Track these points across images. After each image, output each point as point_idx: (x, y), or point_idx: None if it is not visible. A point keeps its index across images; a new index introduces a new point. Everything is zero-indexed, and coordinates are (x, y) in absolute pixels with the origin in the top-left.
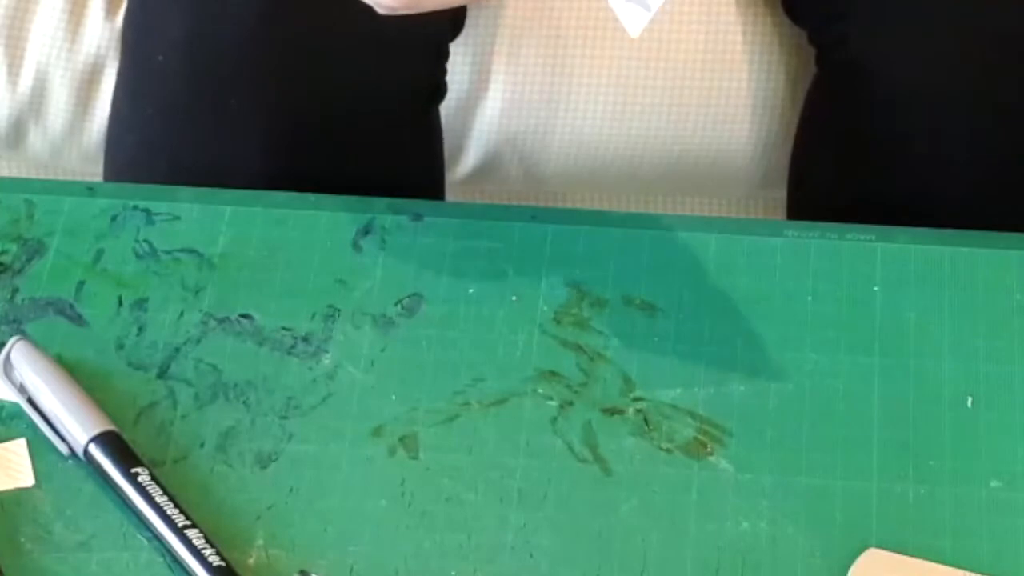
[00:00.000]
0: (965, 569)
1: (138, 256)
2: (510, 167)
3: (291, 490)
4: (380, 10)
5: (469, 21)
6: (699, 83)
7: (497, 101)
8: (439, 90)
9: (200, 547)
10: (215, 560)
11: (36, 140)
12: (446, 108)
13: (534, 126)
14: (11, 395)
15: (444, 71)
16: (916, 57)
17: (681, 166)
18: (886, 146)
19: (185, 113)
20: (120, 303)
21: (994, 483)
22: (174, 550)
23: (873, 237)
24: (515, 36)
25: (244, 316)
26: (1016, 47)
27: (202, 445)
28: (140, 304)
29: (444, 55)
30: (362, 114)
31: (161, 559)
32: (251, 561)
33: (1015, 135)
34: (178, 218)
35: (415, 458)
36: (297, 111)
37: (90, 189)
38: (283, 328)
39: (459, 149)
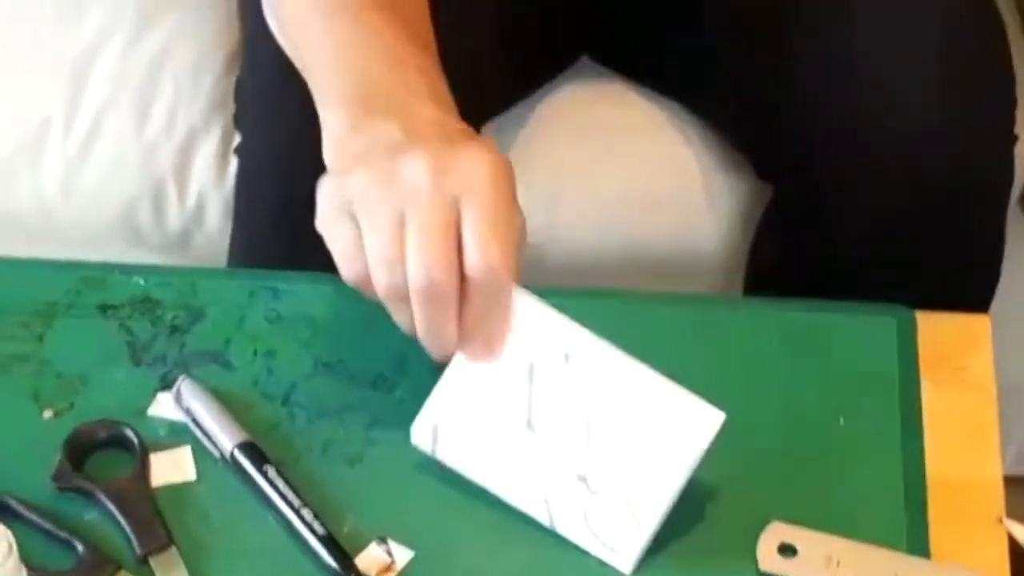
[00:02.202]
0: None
1: (268, 321)
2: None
3: (372, 481)
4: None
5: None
6: (671, 210)
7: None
8: None
9: (310, 521)
10: (321, 531)
11: (198, 242)
12: None
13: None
14: (180, 415)
15: None
16: (830, 193)
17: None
18: (818, 240)
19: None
20: (255, 353)
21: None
22: (293, 524)
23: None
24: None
25: (340, 360)
26: (894, 164)
27: (311, 450)
28: (270, 354)
29: None
30: None
31: (284, 532)
32: (345, 530)
33: (902, 233)
34: (295, 293)
35: None
36: None
37: (233, 274)
38: (367, 369)
39: None
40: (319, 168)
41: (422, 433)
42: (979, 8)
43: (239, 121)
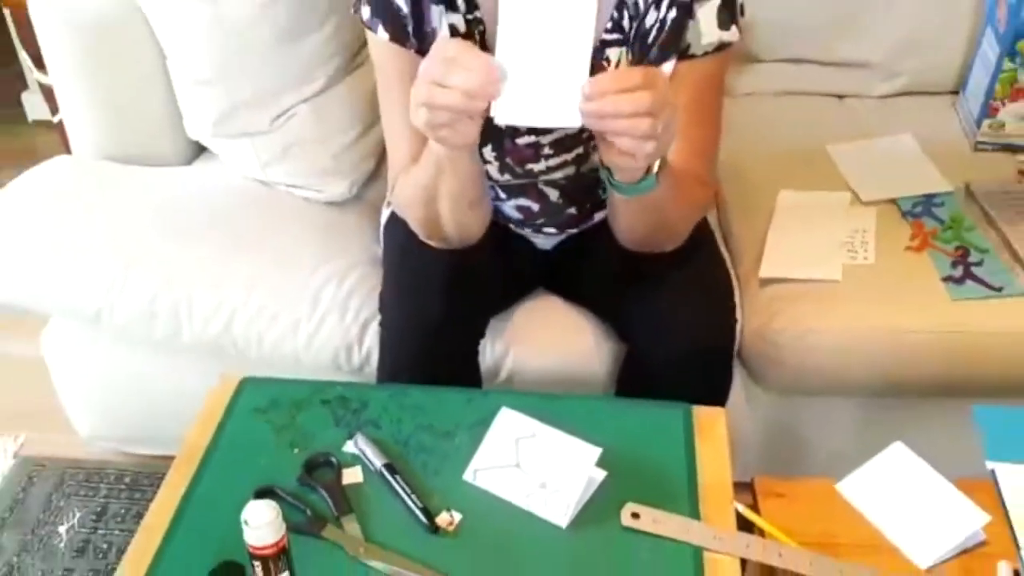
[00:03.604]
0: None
1: (400, 407)
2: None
3: (446, 483)
4: None
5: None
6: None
7: (509, 366)
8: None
9: (414, 499)
10: (419, 504)
11: (367, 371)
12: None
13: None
14: (356, 451)
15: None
16: (652, 348)
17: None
18: (652, 372)
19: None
20: (390, 421)
21: None
22: (406, 502)
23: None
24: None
25: (430, 424)
26: (680, 342)
27: (417, 466)
28: (398, 420)
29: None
30: (450, 351)
31: (403, 507)
32: (432, 503)
33: (684, 369)
34: (410, 395)
35: None
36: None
37: (382, 387)
38: (442, 428)
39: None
40: (419, 333)
41: (470, 473)
42: (719, 277)
43: (381, 306)
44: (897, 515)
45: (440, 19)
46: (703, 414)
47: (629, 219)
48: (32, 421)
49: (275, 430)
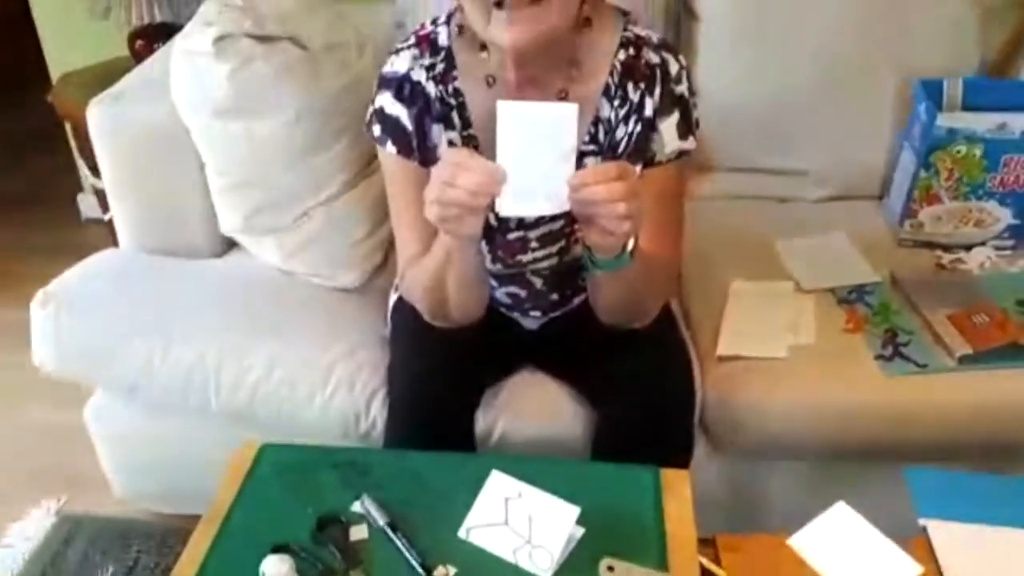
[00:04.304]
0: None
1: (402, 472)
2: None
3: (439, 541)
4: None
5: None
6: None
7: (499, 432)
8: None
9: (412, 553)
10: (418, 559)
11: (373, 437)
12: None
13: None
14: (362, 511)
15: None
16: (622, 416)
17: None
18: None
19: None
20: (393, 481)
21: None
22: (405, 555)
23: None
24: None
25: (429, 484)
26: (648, 409)
27: (414, 524)
28: (396, 480)
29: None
30: (451, 421)
31: (403, 561)
32: (428, 562)
33: (651, 433)
34: (412, 458)
35: None
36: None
37: (388, 452)
38: (438, 488)
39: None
40: (423, 405)
41: (464, 531)
42: (680, 355)
43: (389, 380)
44: (842, 568)
45: (440, 135)
46: (670, 476)
47: (608, 295)
48: (73, 483)
49: (291, 491)
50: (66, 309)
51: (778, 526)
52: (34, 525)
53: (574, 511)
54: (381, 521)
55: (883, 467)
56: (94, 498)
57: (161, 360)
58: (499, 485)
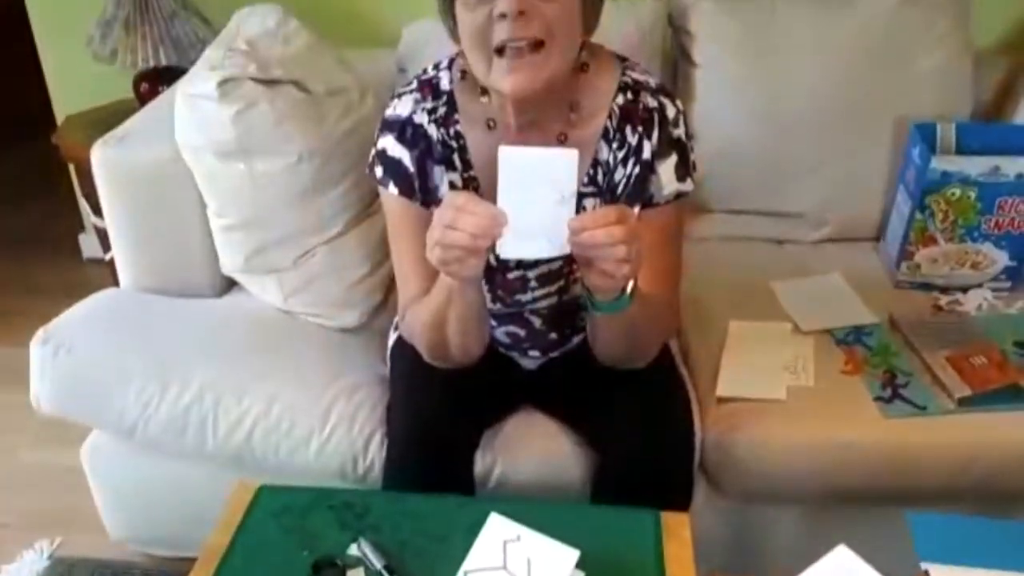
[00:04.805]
0: None
1: (399, 514)
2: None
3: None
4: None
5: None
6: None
7: (498, 473)
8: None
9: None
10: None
11: (370, 479)
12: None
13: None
14: (359, 553)
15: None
16: (623, 457)
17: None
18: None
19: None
20: (391, 525)
21: None
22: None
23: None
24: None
25: (424, 529)
26: (646, 452)
27: (411, 565)
28: (396, 524)
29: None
30: (450, 460)
31: None
32: None
33: (651, 478)
34: (410, 501)
35: None
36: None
37: (386, 494)
38: (433, 531)
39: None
40: (423, 446)
41: (462, 575)
42: (679, 398)
43: (388, 420)
44: None
45: (441, 177)
46: (671, 519)
47: (607, 337)
48: (68, 524)
49: (287, 534)
50: (65, 348)
51: (779, 569)
52: (27, 568)
53: (574, 554)
54: (378, 564)
55: (883, 510)
56: (89, 540)
57: (159, 400)
58: (498, 528)
